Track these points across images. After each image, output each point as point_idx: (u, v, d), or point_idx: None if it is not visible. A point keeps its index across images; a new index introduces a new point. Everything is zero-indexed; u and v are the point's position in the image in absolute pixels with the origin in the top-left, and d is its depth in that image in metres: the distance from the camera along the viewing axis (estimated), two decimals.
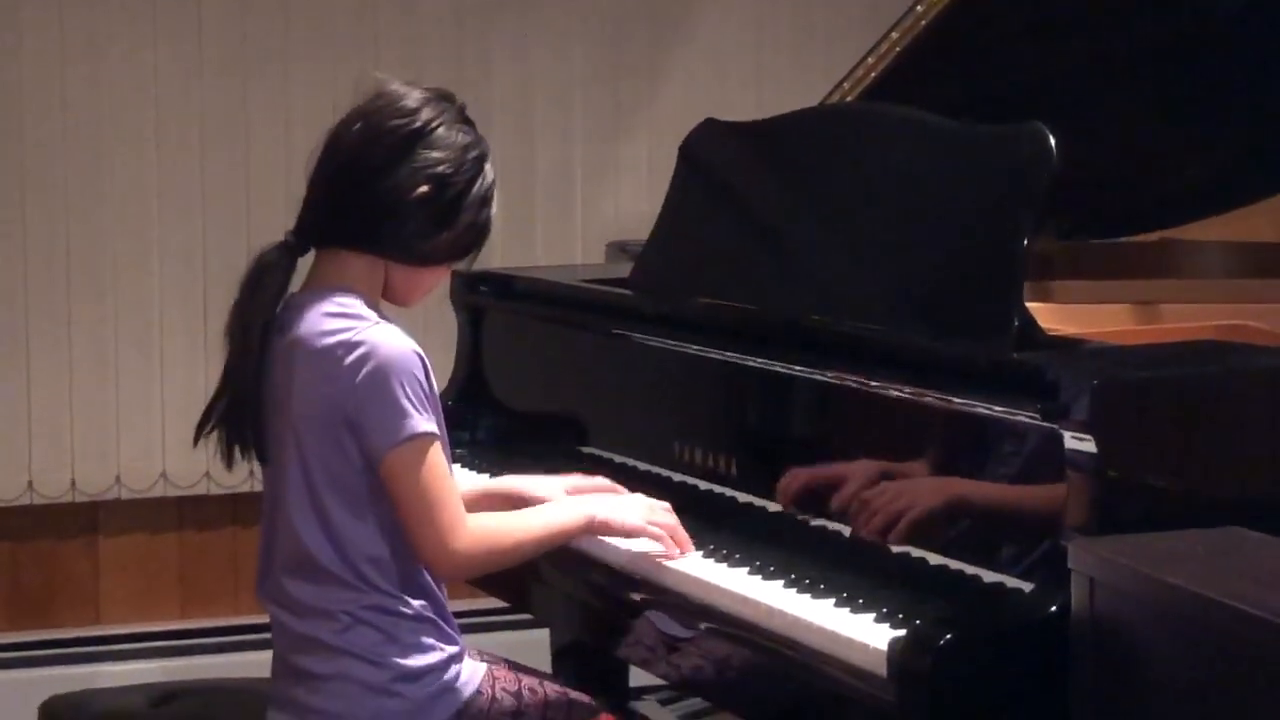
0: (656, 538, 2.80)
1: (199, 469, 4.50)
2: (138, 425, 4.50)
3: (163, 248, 4.51)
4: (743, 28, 4.92)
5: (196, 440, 2.71)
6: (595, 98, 4.81)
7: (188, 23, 4.51)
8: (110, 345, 4.48)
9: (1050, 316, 2.96)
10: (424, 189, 2.64)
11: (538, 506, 2.86)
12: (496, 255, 4.51)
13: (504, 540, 2.69)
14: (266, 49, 4.56)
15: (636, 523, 2.80)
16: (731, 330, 3.00)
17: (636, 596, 2.82)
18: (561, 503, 2.87)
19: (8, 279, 4.41)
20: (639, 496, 2.87)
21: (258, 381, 2.64)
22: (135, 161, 4.48)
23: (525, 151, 4.75)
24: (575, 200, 4.81)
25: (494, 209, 2.73)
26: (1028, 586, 2.42)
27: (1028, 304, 2.68)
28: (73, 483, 4.48)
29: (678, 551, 2.79)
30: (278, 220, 4.50)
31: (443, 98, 2.71)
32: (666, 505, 2.84)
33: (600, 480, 3.01)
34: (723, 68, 4.89)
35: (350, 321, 2.60)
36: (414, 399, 2.57)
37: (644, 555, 2.81)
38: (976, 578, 2.52)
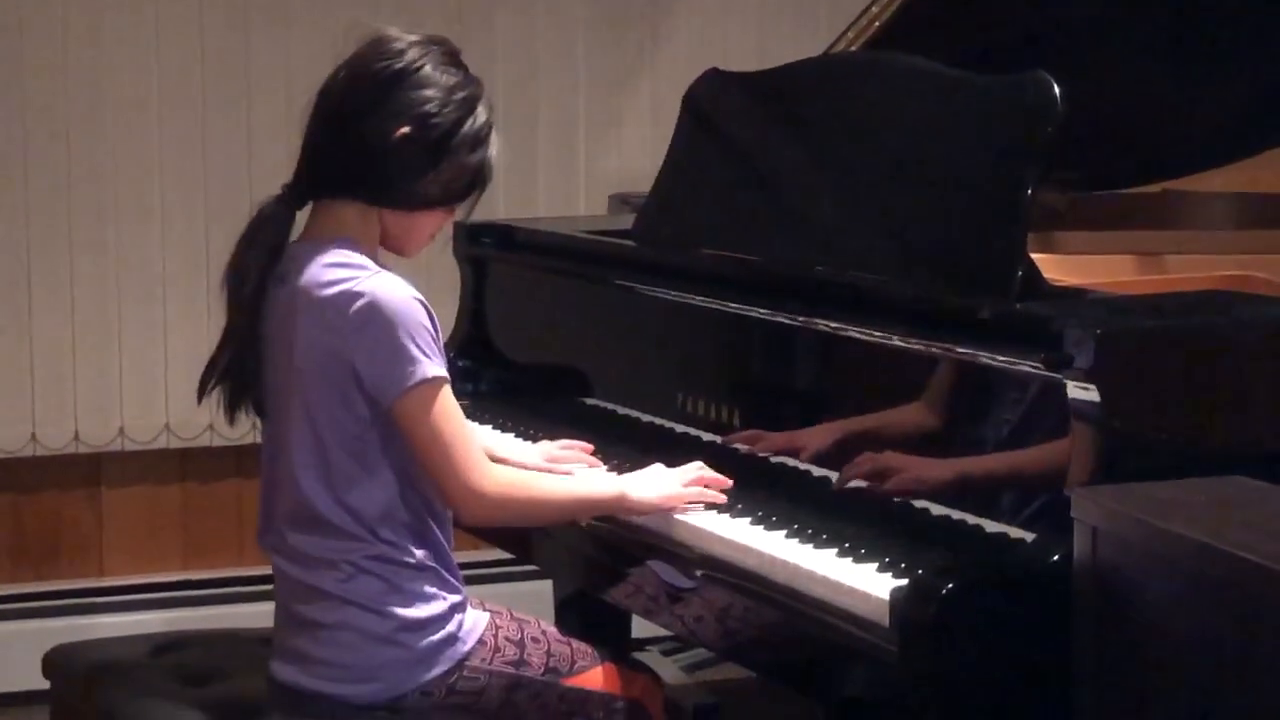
0: (694, 499, 2.77)
1: (202, 421, 4.50)
2: (141, 377, 4.50)
3: (165, 200, 4.50)
4: None
5: (201, 397, 2.71)
6: (598, 49, 4.79)
7: None
8: (113, 297, 4.47)
9: (1054, 267, 2.95)
10: (406, 129, 2.62)
11: (571, 475, 2.86)
12: (499, 207, 4.50)
13: (530, 491, 2.70)
14: (267, 7, 4.54)
15: (670, 494, 2.77)
16: (734, 281, 3.00)
17: (639, 547, 2.82)
18: (595, 474, 2.88)
19: (10, 231, 4.40)
20: (660, 467, 2.84)
21: (256, 335, 2.63)
22: (137, 115, 4.47)
23: (528, 103, 4.73)
24: (578, 152, 4.79)
25: (491, 152, 2.71)
26: (1030, 536, 2.42)
27: (1032, 254, 2.68)
28: (76, 434, 4.48)
29: (723, 499, 2.77)
30: (280, 174, 4.48)
31: (431, 41, 2.70)
32: (696, 465, 2.82)
33: (577, 450, 3.01)
34: (726, 18, 4.87)
35: (351, 271, 2.59)
36: (421, 345, 2.56)
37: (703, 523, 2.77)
38: (979, 527, 2.52)
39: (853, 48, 3.37)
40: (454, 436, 2.59)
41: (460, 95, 2.67)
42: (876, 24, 3.35)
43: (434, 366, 2.57)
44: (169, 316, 4.50)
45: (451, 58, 2.70)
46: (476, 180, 2.71)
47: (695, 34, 4.84)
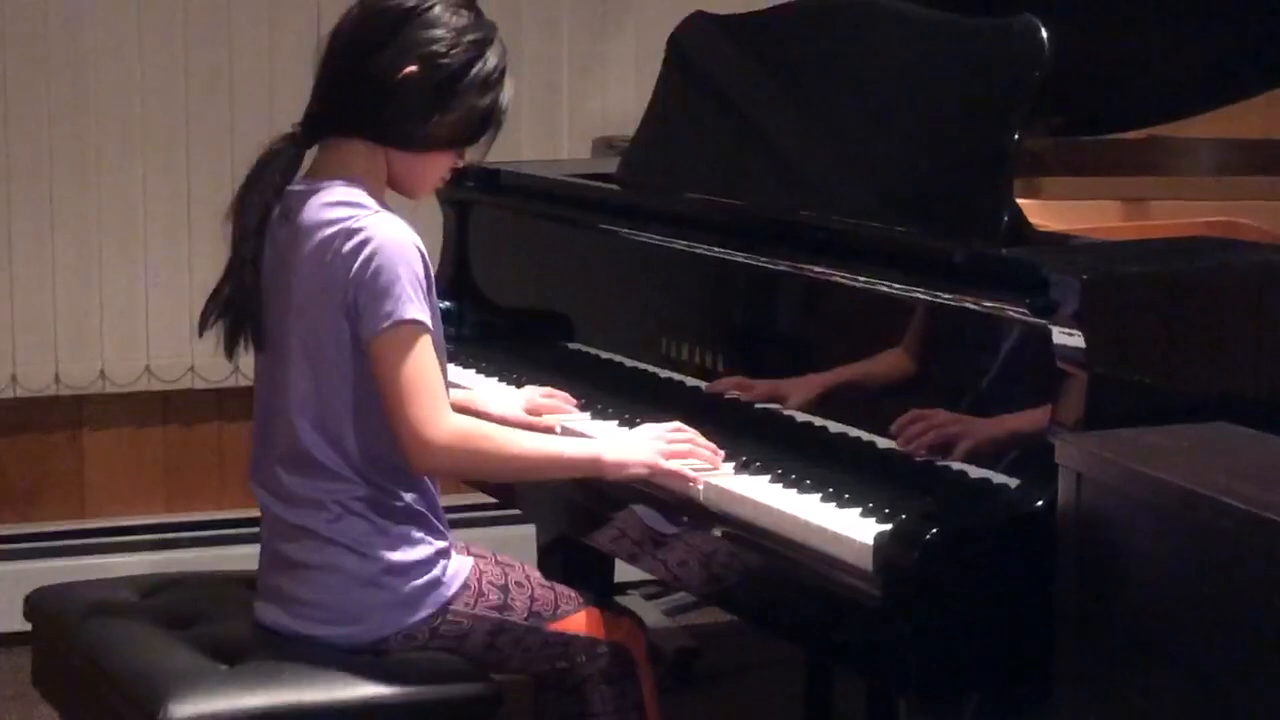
0: (673, 472, 2.70)
1: (184, 363, 4.49)
2: (122, 319, 4.49)
3: (146, 142, 4.48)
4: None
5: (202, 330, 2.70)
6: None
7: None
8: (94, 239, 4.45)
9: (1040, 213, 2.95)
10: (413, 68, 2.62)
11: (544, 433, 2.85)
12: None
13: (487, 444, 2.65)
14: None
15: (649, 459, 2.70)
16: (719, 226, 2.99)
17: (622, 492, 2.81)
18: (571, 437, 2.86)
19: None
20: (645, 428, 2.79)
21: (258, 269, 2.63)
22: (118, 57, 4.44)
23: (511, 46, 4.58)
24: (562, 95, 4.77)
25: (504, 95, 2.70)
26: (1014, 482, 2.42)
27: (1017, 200, 2.67)
28: (56, 376, 4.47)
29: (709, 467, 2.70)
30: (261, 113, 4.49)
31: None
32: (676, 424, 2.76)
33: (560, 399, 3.01)
34: None
35: (351, 210, 2.59)
36: (407, 287, 2.55)
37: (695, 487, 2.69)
38: (963, 473, 2.52)
39: None
40: (416, 382, 2.56)
41: (471, 37, 2.66)
42: None
43: (414, 309, 2.56)
44: (150, 258, 4.48)
45: (464, 0, 2.69)
46: (486, 124, 2.70)
47: None
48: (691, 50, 3.31)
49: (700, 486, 2.67)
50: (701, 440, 2.73)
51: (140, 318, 4.49)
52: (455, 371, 3.31)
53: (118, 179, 4.46)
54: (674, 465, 2.69)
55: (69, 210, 4.43)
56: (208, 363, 4.44)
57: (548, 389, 3.06)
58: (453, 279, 3.63)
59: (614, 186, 3.34)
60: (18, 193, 4.39)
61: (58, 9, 4.38)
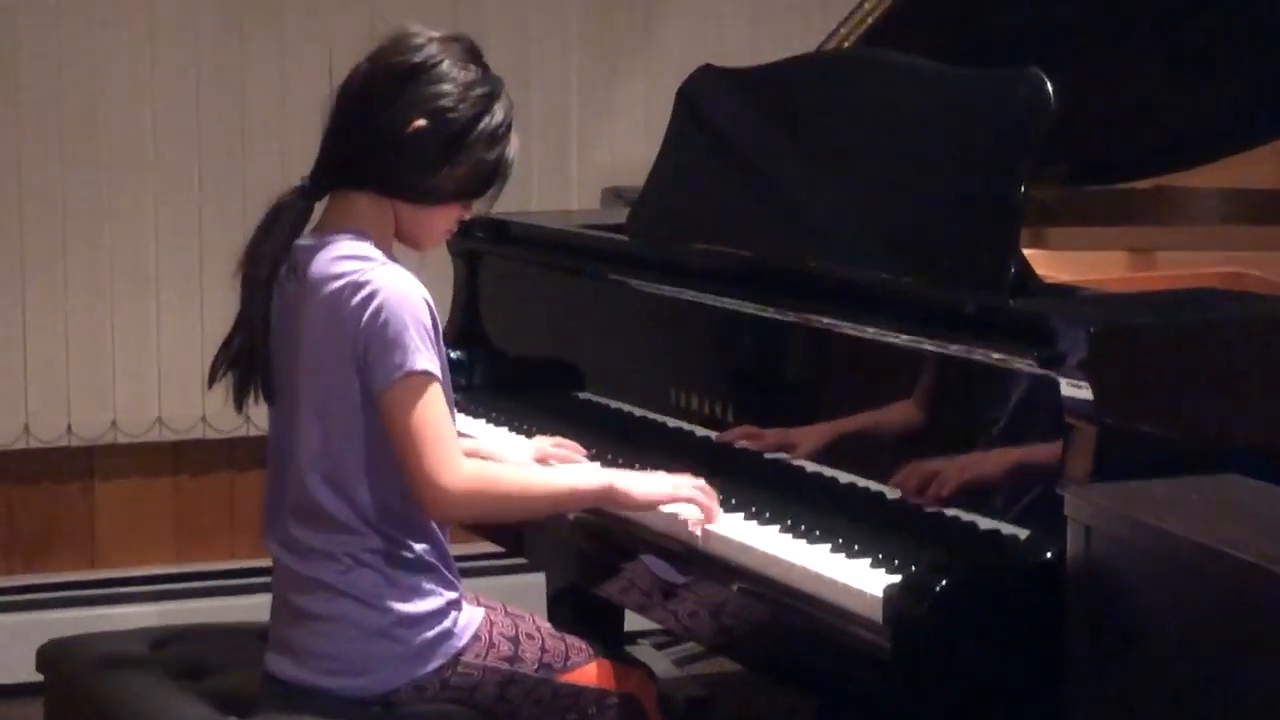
0: (686, 499, 2.73)
1: (194, 413, 4.50)
2: (133, 370, 4.50)
3: (158, 192, 4.49)
4: None
5: (212, 382, 2.71)
6: (591, 42, 4.79)
7: None
8: (106, 290, 4.47)
9: (1047, 263, 2.96)
10: (421, 123, 2.63)
11: (554, 466, 2.86)
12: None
13: (501, 486, 2.67)
14: (262, 1, 4.54)
15: (662, 491, 2.73)
16: (728, 276, 3.00)
17: (631, 541, 2.82)
18: (582, 467, 2.87)
19: (4, 224, 4.39)
20: (660, 473, 2.80)
21: (267, 322, 2.64)
22: (131, 105, 4.46)
23: (521, 96, 4.66)
24: (571, 145, 4.79)
25: (510, 149, 2.71)
26: (1023, 533, 2.42)
27: (1024, 250, 2.68)
28: (69, 427, 4.48)
29: (716, 512, 2.72)
30: (273, 165, 4.51)
31: (453, 38, 2.71)
32: (691, 478, 2.76)
33: (569, 449, 3.01)
34: (720, 12, 4.87)
35: (358, 264, 2.60)
36: (416, 338, 2.57)
37: (694, 529, 2.73)
38: (973, 524, 2.52)
39: (846, 44, 3.38)
40: (429, 431, 2.58)
41: (478, 92, 2.68)
42: (870, 19, 3.36)
43: (424, 360, 2.58)
44: (162, 310, 4.50)
45: (471, 55, 2.71)
46: (493, 177, 2.71)
47: (689, 28, 4.84)
48: (700, 102, 3.32)
49: (708, 525, 2.68)
50: (706, 491, 2.74)
51: (151, 368, 4.50)
52: (465, 421, 3.33)
53: (129, 230, 4.48)
54: (683, 494, 2.72)
55: (81, 261, 4.44)
56: (218, 413, 4.45)
57: (557, 438, 3.07)
58: (463, 329, 3.64)
59: (623, 237, 3.35)
60: (30, 243, 4.41)
61: (72, 62, 4.41)
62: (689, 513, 2.73)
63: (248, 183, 4.49)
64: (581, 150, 4.79)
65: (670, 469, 2.82)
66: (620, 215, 3.46)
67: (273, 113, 4.50)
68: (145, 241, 4.49)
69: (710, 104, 3.31)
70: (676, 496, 2.73)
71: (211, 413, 4.49)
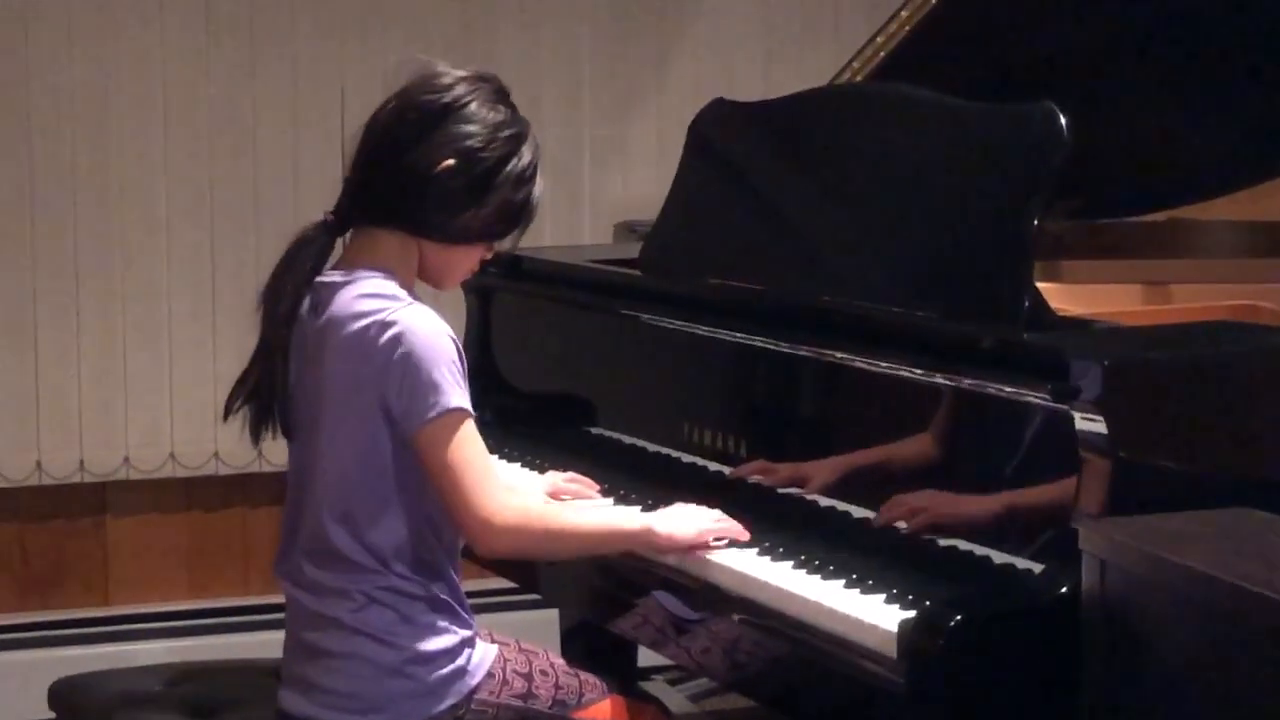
0: (720, 534, 2.75)
1: (207, 449, 4.50)
2: (146, 406, 4.50)
3: (170, 228, 4.51)
4: (751, 7, 4.91)
5: (227, 415, 2.71)
6: (603, 77, 4.80)
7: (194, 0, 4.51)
8: (118, 326, 4.47)
9: (1060, 297, 2.96)
10: (450, 162, 2.62)
11: (595, 506, 2.86)
12: None
13: (548, 523, 2.68)
14: (273, 29, 4.55)
15: (695, 536, 2.73)
16: (740, 311, 3.00)
17: (645, 578, 2.81)
18: (622, 508, 2.87)
19: (16, 259, 4.41)
20: (692, 507, 2.80)
21: (286, 357, 2.64)
22: (142, 142, 4.48)
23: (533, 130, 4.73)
24: (583, 180, 4.80)
25: (537, 190, 2.71)
26: (1038, 568, 2.41)
27: (1038, 284, 2.68)
28: (81, 463, 4.48)
29: (747, 536, 2.75)
30: (285, 201, 4.52)
31: (481, 78, 2.70)
32: (717, 513, 2.78)
33: (580, 484, 3.01)
34: (731, 47, 4.88)
35: (384, 302, 2.59)
36: (448, 375, 2.57)
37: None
38: (987, 559, 2.51)
39: (858, 78, 3.38)
40: (471, 468, 2.59)
41: (507, 133, 2.67)
42: (882, 54, 3.36)
43: (458, 397, 2.58)
44: (174, 346, 4.50)
45: (500, 95, 2.70)
46: (519, 218, 2.71)
47: (701, 62, 4.85)
48: (712, 136, 3.32)
49: (722, 560, 2.68)
50: (730, 520, 2.76)
51: (164, 405, 4.51)
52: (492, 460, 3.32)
53: (142, 267, 4.49)
54: (719, 529, 2.74)
55: (93, 298, 4.45)
56: (231, 449, 4.46)
57: (570, 474, 3.07)
58: (476, 365, 3.62)
59: (636, 272, 3.35)
60: (42, 280, 4.42)
61: (85, 97, 4.42)
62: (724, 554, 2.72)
63: (260, 218, 4.50)
64: (594, 185, 4.80)
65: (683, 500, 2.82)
66: (633, 250, 3.46)
67: (284, 149, 4.51)
68: (157, 277, 4.50)
69: (722, 138, 3.31)
70: (707, 541, 2.73)
71: (224, 449, 4.49)
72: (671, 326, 3.11)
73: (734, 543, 2.74)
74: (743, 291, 3.06)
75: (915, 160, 2.89)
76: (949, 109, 2.88)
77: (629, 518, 2.79)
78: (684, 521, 2.75)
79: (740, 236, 3.17)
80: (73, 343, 4.45)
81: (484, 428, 3.49)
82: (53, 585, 4.55)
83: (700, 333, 3.04)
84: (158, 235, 4.50)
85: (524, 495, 2.74)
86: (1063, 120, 2.67)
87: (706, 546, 2.72)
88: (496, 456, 3.32)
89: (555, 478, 3.06)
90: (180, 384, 4.48)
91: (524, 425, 3.51)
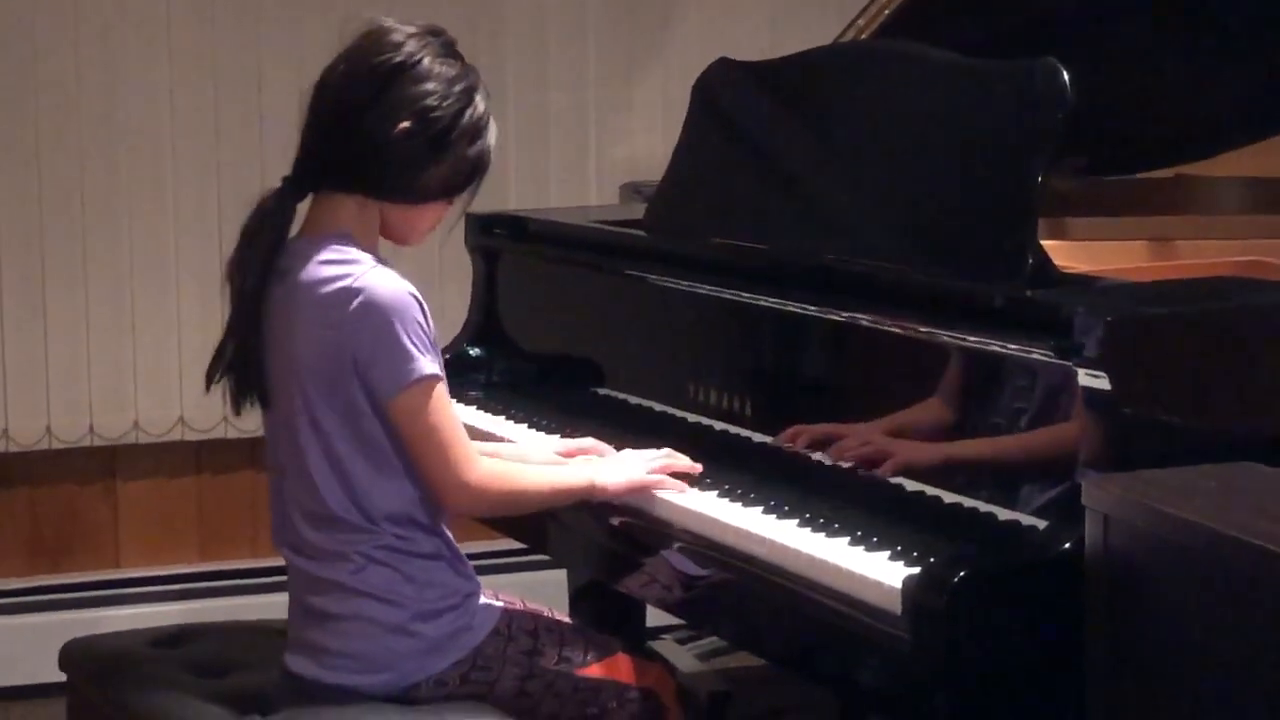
0: (657, 484, 2.83)
1: (216, 413, 4.51)
2: (155, 370, 4.51)
3: (177, 193, 4.51)
4: None
5: (209, 385, 2.72)
6: (608, 38, 4.79)
7: None
8: (127, 290, 4.48)
9: (1065, 254, 2.95)
10: (407, 124, 2.62)
11: (547, 465, 2.88)
12: (511, 197, 4.51)
13: (516, 483, 2.73)
14: None
15: (634, 478, 2.82)
16: (745, 271, 3.00)
17: (652, 537, 2.82)
18: (568, 465, 2.89)
19: (24, 225, 4.41)
20: (629, 452, 2.90)
21: (259, 329, 2.64)
22: (149, 109, 4.47)
23: (539, 93, 4.74)
24: (589, 141, 4.79)
25: (490, 140, 2.71)
26: (1042, 524, 2.42)
27: (1042, 241, 2.68)
28: (91, 427, 4.49)
29: (685, 486, 2.82)
30: (291, 162, 4.50)
31: (429, 32, 2.68)
32: (665, 451, 2.87)
33: (587, 441, 3.02)
34: (736, 6, 4.87)
35: (347, 268, 2.60)
36: (416, 341, 2.57)
37: (657, 497, 2.82)
38: (991, 515, 2.52)
39: (863, 36, 3.37)
40: (446, 432, 2.61)
41: (459, 87, 2.66)
42: (886, 11, 3.36)
43: (429, 363, 2.59)
44: (182, 309, 4.51)
45: (449, 48, 2.69)
46: (477, 170, 2.70)
47: (706, 22, 4.84)
48: (717, 96, 3.32)
49: (727, 519, 2.70)
50: (679, 458, 2.86)
51: (173, 368, 4.51)
52: (484, 418, 3.33)
53: (149, 233, 4.49)
54: (657, 479, 2.83)
55: (101, 262, 4.46)
56: (231, 411, 4.46)
57: (583, 440, 3.05)
58: (481, 327, 3.64)
59: (641, 232, 3.35)
60: (51, 246, 4.42)
61: (88, 71, 4.41)
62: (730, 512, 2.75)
63: (266, 179, 4.46)
64: (599, 146, 4.79)
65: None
66: (638, 211, 3.46)
67: (290, 110, 4.48)
68: (165, 241, 4.50)
69: (727, 97, 3.31)
70: (648, 482, 2.82)
71: (233, 413, 4.49)
72: (677, 287, 3.11)
73: (738, 499, 2.75)
74: (747, 251, 3.06)
75: (919, 118, 2.89)
76: (952, 66, 2.88)
77: (575, 473, 2.84)
78: (623, 468, 2.84)
79: (744, 196, 3.17)
80: (81, 307, 4.45)
81: (489, 388, 3.53)
82: (63, 549, 4.56)
83: (705, 293, 3.04)
84: (165, 197, 4.50)
85: (490, 458, 2.75)
86: (1065, 76, 2.67)
87: (650, 485, 2.82)
88: (503, 417, 3.33)
89: (565, 443, 3.05)
90: (189, 348, 4.48)
91: (530, 386, 3.52)
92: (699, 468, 2.86)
